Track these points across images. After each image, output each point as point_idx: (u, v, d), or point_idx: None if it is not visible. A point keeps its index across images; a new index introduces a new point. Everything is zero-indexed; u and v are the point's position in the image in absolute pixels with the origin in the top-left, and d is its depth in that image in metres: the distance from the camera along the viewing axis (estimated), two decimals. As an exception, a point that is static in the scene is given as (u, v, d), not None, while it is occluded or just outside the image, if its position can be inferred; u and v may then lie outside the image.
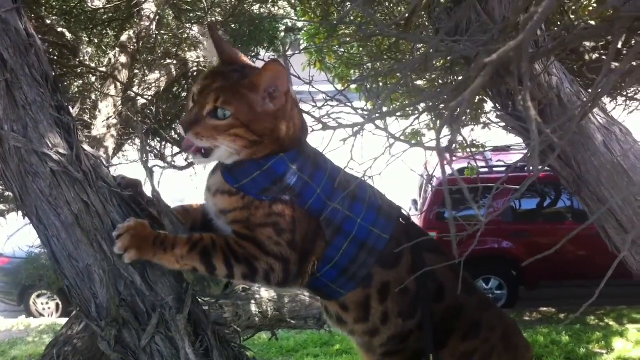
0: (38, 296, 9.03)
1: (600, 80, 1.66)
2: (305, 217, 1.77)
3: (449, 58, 2.42)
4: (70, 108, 1.84)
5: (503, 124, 2.13)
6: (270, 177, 1.74)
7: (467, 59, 2.14)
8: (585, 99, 2.01)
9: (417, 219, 7.98)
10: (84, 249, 1.74)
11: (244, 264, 1.73)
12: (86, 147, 1.84)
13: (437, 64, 3.03)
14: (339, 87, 2.29)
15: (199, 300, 1.96)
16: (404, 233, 1.88)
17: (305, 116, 1.91)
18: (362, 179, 1.85)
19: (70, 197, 1.73)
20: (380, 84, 3.27)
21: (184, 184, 5.59)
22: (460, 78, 2.29)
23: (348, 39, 3.83)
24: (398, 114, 2.36)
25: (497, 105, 2.16)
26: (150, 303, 1.76)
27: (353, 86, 4.92)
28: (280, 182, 1.75)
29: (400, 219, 1.92)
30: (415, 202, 9.03)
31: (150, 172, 1.81)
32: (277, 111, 1.73)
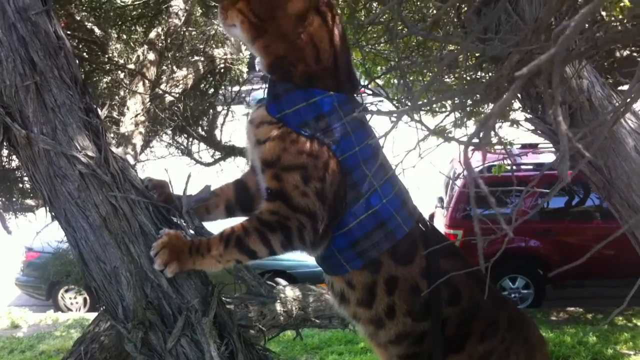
0: (66, 291, 9.13)
1: (633, 84, 1.62)
2: (339, 170, 1.71)
3: (477, 56, 2.39)
4: (99, 110, 1.85)
5: (532, 127, 2.10)
6: (314, 111, 1.69)
7: (496, 60, 2.11)
8: (616, 103, 1.98)
9: (442, 216, 7.93)
10: (111, 251, 1.75)
11: (279, 231, 1.70)
12: (114, 149, 1.85)
13: (467, 62, 3.00)
14: (365, 82, 2.29)
15: (224, 300, 1.96)
16: (421, 236, 1.84)
17: None
18: (394, 170, 1.82)
19: (99, 200, 1.73)
20: (408, 80, 3.24)
21: (210, 180, 5.62)
22: (490, 75, 2.26)
23: (375, 36, 3.81)
24: (434, 106, 2.34)
25: (526, 108, 2.13)
26: (176, 305, 1.77)
27: (380, 82, 4.89)
28: (322, 120, 1.69)
29: (420, 224, 1.87)
30: (441, 199, 8.98)
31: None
32: (288, 9, 1.68)
